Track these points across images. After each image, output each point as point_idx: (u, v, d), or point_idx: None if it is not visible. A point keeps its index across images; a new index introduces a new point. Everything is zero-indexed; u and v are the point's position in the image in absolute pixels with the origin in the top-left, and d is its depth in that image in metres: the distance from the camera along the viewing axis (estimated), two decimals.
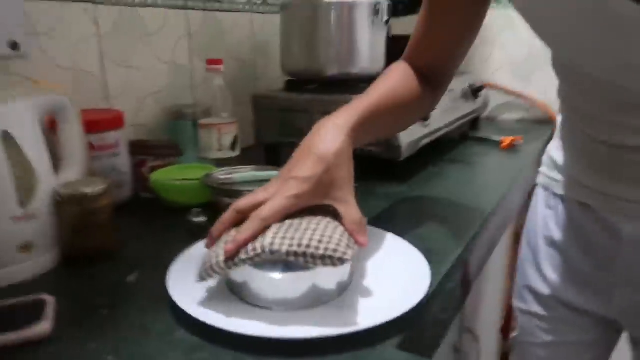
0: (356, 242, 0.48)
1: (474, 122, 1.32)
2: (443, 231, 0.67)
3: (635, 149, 0.54)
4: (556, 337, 0.69)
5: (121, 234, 0.65)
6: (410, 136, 0.90)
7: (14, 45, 0.72)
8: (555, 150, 0.69)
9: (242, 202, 0.49)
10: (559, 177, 0.67)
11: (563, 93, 0.63)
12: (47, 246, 0.57)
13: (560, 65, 0.59)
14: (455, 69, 0.68)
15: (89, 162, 0.68)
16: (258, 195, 0.49)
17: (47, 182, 0.58)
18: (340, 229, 0.48)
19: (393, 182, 0.88)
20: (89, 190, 0.58)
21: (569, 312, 0.67)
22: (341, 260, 0.45)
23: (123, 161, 0.77)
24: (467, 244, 0.63)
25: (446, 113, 1.07)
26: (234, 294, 0.49)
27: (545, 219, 0.69)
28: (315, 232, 0.46)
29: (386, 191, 0.83)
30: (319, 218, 0.49)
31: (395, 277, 0.52)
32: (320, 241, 0.45)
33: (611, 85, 0.51)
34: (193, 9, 1.03)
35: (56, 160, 0.63)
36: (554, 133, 0.71)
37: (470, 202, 0.79)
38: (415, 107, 0.65)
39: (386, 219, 0.68)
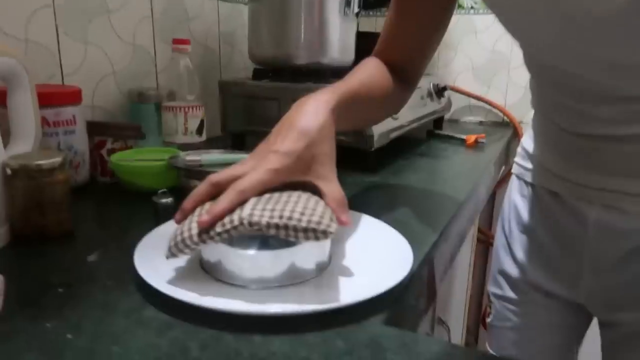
0: (338, 220, 0.45)
1: (439, 122, 1.34)
2: (417, 217, 0.66)
3: (600, 137, 0.55)
4: (528, 320, 0.71)
5: (78, 215, 0.60)
6: (382, 127, 0.89)
7: None
8: (527, 141, 0.71)
9: (219, 175, 0.46)
10: (530, 166, 0.69)
11: (533, 86, 0.65)
12: None
13: (528, 59, 0.60)
14: (424, 68, 0.69)
15: (42, 139, 0.62)
16: (236, 169, 0.46)
17: None
18: (322, 203, 0.46)
19: (365, 172, 0.86)
20: (42, 162, 0.53)
21: (540, 295, 0.68)
22: (325, 233, 0.42)
23: (80, 140, 0.72)
24: (442, 230, 0.62)
25: (413, 109, 1.07)
26: (207, 272, 0.46)
27: (518, 206, 0.71)
28: (297, 204, 0.44)
29: (358, 180, 0.82)
30: (299, 192, 0.47)
31: (375, 257, 0.50)
32: (302, 213, 0.42)
33: (576, 77, 0.52)
34: None
35: (4, 136, 0.57)
36: (519, 130, 0.73)
37: (442, 192, 0.79)
38: (388, 101, 0.66)
39: (360, 206, 0.66)
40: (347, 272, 0.48)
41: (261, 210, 0.42)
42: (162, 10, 1.00)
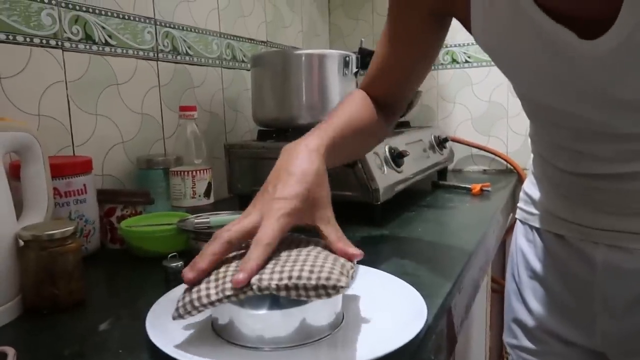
0: (349, 255, 0.45)
1: (443, 173, 1.35)
2: (428, 269, 0.65)
3: (600, 176, 0.56)
4: None
5: (89, 283, 0.60)
6: (386, 181, 0.90)
7: None
8: (529, 185, 0.72)
9: (231, 232, 0.45)
10: (534, 210, 0.69)
11: (532, 129, 0.66)
12: (8, 295, 0.52)
13: (526, 100, 0.61)
14: (408, 100, 0.71)
15: (53, 209, 0.64)
16: (243, 222, 0.46)
17: (7, 226, 0.53)
18: (331, 257, 0.46)
19: (372, 226, 0.86)
20: (54, 232, 0.53)
21: (558, 343, 0.66)
22: (335, 289, 0.41)
23: (91, 208, 0.73)
24: (454, 280, 0.61)
25: (417, 161, 1.09)
26: (219, 335, 0.45)
27: (525, 251, 0.71)
28: (306, 262, 0.44)
29: (366, 234, 0.82)
30: (308, 248, 0.47)
31: (388, 311, 0.49)
32: (311, 271, 0.42)
33: (573, 117, 0.53)
34: (164, 60, 1.03)
35: (17, 208, 0.58)
36: (523, 176, 0.74)
37: (451, 242, 0.78)
38: (372, 135, 0.67)
39: (368, 259, 0.66)
40: (361, 329, 0.47)
41: (270, 274, 0.42)
42: (169, 80, 1.04)
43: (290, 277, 0.41)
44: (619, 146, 0.52)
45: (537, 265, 0.68)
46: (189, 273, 0.44)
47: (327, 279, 0.41)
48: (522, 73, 0.53)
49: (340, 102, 0.65)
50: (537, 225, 0.68)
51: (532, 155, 0.71)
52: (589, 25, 0.43)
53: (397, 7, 0.61)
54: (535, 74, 0.51)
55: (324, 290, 0.41)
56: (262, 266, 0.42)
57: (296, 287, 0.41)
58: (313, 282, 0.41)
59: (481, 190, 1.17)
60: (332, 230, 0.48)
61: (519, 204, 0.74)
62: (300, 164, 0.49)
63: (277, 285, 0.41)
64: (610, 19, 0.41)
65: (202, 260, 0.44)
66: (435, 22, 0.60)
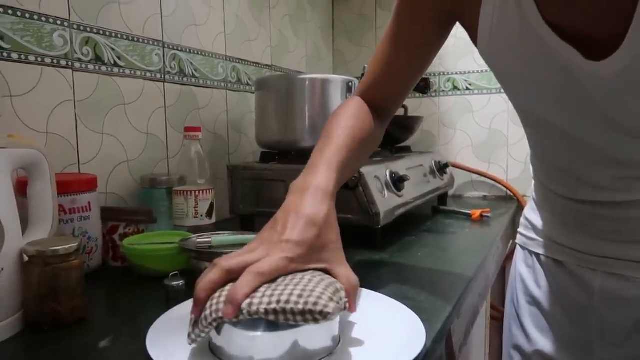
0: (350, 308, 0.46)
1: (443, 198, 1.36)
2: (427, 293, 0.65)
3: (599, 204, 0.57)
4: None
5: (91, 300, 0.60)
6: (387, 205, 0.91)
7: None
8: (529, 211, 0.72)
9: (230, 262, 0.45)
10: (534, 236, 0.70)
11: (533, 155, 0.67)
12: (10, 310, 0.52)
13: (526, 116, 0.61)
14: (403, 101, 0.71)
15: (58, 225, 0.64)
16: (247, 256, 0.46)
17: (13, 241, 0.53)
18: (325, 282, 0.45)
19: (372, 249, 0.87)
20: (58, 248, 0.54)
21: None
22: (322, 314, 0.41)
23: (94, 226, 0.73)
24: (454, 306, 0.62)
25: (417, 186, 1.10)
26: (215, 354, 0.45)
27: (525, 277, 0.71)
28: (297, 286, 0.44)
29: (366, 258, 0.82)
30: (302, 274, 0.47)
31: (387, 335, 0.49)
32: (300, 296, 0.42)
33: (571, 137, 0.54)
34: (170, 82, 1.05)
35: (22, 223, 0.59)
36: (523, 203, 0.75)
37: (450, 267, 0.78)
38: (371, 145, 0.67)
39: (368, 283, 0.66)
40: (358, 353, 0.47)
41: (260, 297, 0.42)
42: (175, 101, 1.06)
43: (278, 302, 0.41)
44: (617, 173, 0.53)
45: (536, 291, 0.68)
46: (193, 309, 0.44)
47: (315, 304, 0.41)
48: (524, 87, 0.54)
49: (338, 112, 0.63)
50: (536, 250, 0.69)
51: (532, 181, 0.72)
52: (596, 46, 0.44)
53: (405, 9, 0.61)
54: (538, 89, 0.52)
55: (311, 315, 0.41)
56: (249, 294, 0.42)
57: (284, 311, 0.41)
58: (300, 306, 0.41)
59: (481, 216, 1.17)
60: (343, 273, 0.47)
61: (519, 229, 0.74)
62: (310, 207, 0.49)
63: (265, 309, 0.41)
64: (618, 41, 0.42)
65: (201, 291, 0.44)
66: (440, 27, 0.61)
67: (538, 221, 0.69)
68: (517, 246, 0.74)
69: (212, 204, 0.88)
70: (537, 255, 0.68)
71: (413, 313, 0.53)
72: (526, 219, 0.73)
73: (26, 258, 0.54)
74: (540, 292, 0.68)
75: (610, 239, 0.57)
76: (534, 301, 0.68)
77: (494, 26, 0.51)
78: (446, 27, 0.61)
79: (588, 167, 0.56)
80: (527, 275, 0.70)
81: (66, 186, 0.69)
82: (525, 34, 0.48)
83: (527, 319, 0.69)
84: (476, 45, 0.55)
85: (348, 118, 0.62)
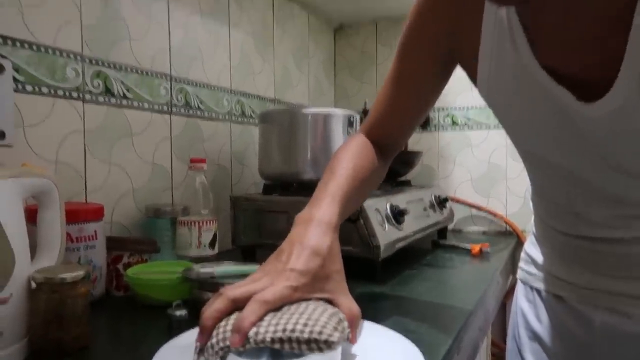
0: (351, 339, 0.47)
1: (443, 232, 1.37)
2: (428, 327, 0.66)
3: (598, 240, 0.57)
4: None
5: (94, 329, 0.60)
6: (387, 238, 0.92)
7: (1, 135, 0.72)
8: (530, 246, 0.73)
9: (235, 291, 0.46)
10: (534, 271, 0.70)
11: (532, 191, 0.68)
12: (16, 336, 0.52)
13: (525, 154, 0.62)
14: (408, 139, 0.73)
15: (65, 253, 0.65)
16: (252, 285, 0.47)
17: (22, 267, 0.54)
18: (329, 312, 0.46)
19: (373, 282, 0.88)
20: (66, 275, 0.55)
21: None
22: (327, 344, 0.42)
23: (99, 254, 0.74)
24: (454, 340, 0.62)
25: (417, 220, 1.11)
26: None
27: (525, 311, 0.71)
28: (302, 315, 0.45)
29: (367, 291, 0.83)
30: (308, 302, 0.48)
31: None
32: (305, 324, 0.43)
33: (569, 175, 0.55)
34: (177, 114, 1.08)
35: (31, 250, 0.60)
36: (522, 238, 0.76)
37: (451, 301, 0.79)
38: (374, 181, 0.68)
39: (370, 316, 0.67)
40: None
41: (266, 326, 0.43)
42: (180, 132, 1.08)
43: (284, 330, 0.42)
44: (616, 210, 0.54)
45: (537, 326, 0.68)
46: (198, 337, 0.45)
47: (320, 333, 0.42)
48: (523, 127, 0.56)
49: (342, 149, 0.65)
50: (537, 285, 0.69)
51: (532, 216, 0.73)
52: (589, 88, 0.46)
53: (408, 49, 0.62)
54: (537, 129, 0.54)
55: (316, 344, 0.42)
56: (255, 323, 0.43)
57: (290, 340, 0.42)
58: (306, 335, 0.42)
59: (480, 251, 1.18)
60: (346, 303, 0.48)
61: (520, 264, 0.75)
62: (314, 238, 0.50)
63: (272, 338, 0.42)
64: (610, 83, 0.44)
65: (207, 319, 0.44)
66: (441, 68, 0.62)
67: (538, 256, 0.70)
68: (518, 281, 0.75)
69: (215, 235, 0.89)
70: (538, 290, 0.69)
71: (414, 345, 0.54)
72: (527, 253, 0.73)
73: (34, 285, 0.55)
74: (542, 328, 0.68)
75: (610, 274, 0.58)
76: (535, 336, 0.69)
77: (492, 68, 0.53)
78: (447, 68, 0.63)
79: (587, 204, 0.57)
80: (528, 310, 0.70)
81: (74, 215, 0.70)
82: (522, 76, 0.50)
83: (529, 354, 0.69)
84: (475, 86, 0.58)
85: (352, 155, 0.63)
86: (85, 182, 0.87)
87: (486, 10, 0.52)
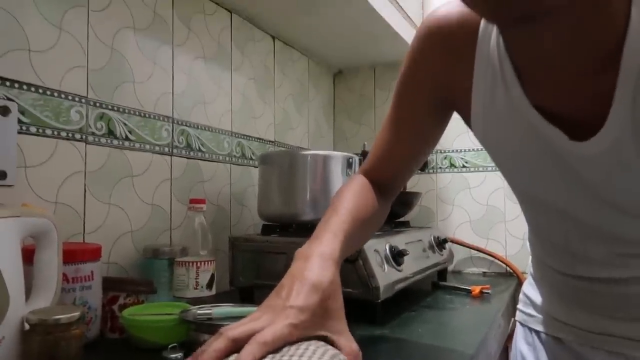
0: None
1: (443, 274, 1.36)
2: None
3: (597, 280, 0.57)
4: None
5: None
6: (387, 279, 0.91)
7: (2, 175, 0.73)
8: (528, 288, 0.73)
9: (236, 330, 0.45)
10: (533, 312, 0.70)
11: (529, 232, 0.69)
12: None
13: (521, 194, 0.63)
14: (408, 180, 0.73)
15: (60, 294, 0.65)
16: (252, 324, 0.46)
17: (16, 309, 0.54)
18: (329, 354, 0.46)
19: (373, 324, 0.86)
20: (60, 317, 0.54)
21: None
22: None
23: (95, 295, 0.73)
24: None
25: (417, 261, 1.10)
26: None
27: (525, 354, 0.70)
28: (301, 358, 0.44)
29: (367, 333, 0.81)
30: (308, 343, 0.47)
31: None
32: None
33: (567, 215, 0.55)
34: (177, 155, 1.09)
35: (26, 290, 0.59)
36: (522, 280, 0.75)
37: (451, 344, 0.78)
38: (375, 221, 0.68)
39: (371, 359, 0.66)
40: None
41: None
42: (180, 174, 1.10)
43: None
44: (613, 249, 0.54)
45: None
46: None
47: None
48: (519, 167, 0.56)
49: (343, 189, 0.65)
50: (536, 327, 0.68)
51: (530, 257, 0.73)
52: (581, 127, 0.47)
53: (403, 95, 0.64)
54: (532, 169, 0.54)
55: None
56: None
57: None
58: None
59: (481, 292, 1.17)
60: (346, 343, 0.47)
61: (518, 306, 0.74)
62: (314, 273, 0.49)
63: None
64: (602, 121, 0.45)
65: (208, 357, 0.43)
66: (437, 114, 0.63)
67: (537, 297, 0.69)
68: (517, 323, 0.74)
69: (212, 276, 0.88)
70: (537, 332, 0.68)
71: None
72: (525, 295, 0.73)
73: (27, 326, 0.54)
74: None
75: (608, 315, 0.58)
76: None
77: (485, 110, 0.54)
78: (443, 113, 0.64)
79: (584, 243, 0.57)
80: (528, 353, 0.69)
81: (71, 255, 0.70)
82: (515, 117, 0.51)
83: None
84: (471, 129, 0.59)
85: (353, 194, 0.63)
86: (84, 223, 0.87)
87: (478, 53, 0.53)
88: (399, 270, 0.97)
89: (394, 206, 1.32)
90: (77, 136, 0.86)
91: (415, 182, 1.67)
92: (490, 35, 0.53)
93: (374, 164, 0.69)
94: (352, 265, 0.89)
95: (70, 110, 0.85)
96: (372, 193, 0.66)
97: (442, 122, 0.66)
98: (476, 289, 1.17)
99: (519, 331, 0.73)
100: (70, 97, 0.85)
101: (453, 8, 0.57)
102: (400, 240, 1.06)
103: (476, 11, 0.45)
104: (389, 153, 0.68)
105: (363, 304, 0.88)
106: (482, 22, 0.54)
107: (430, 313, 0.99)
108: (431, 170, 1.66)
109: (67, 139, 0.84)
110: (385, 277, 0.91)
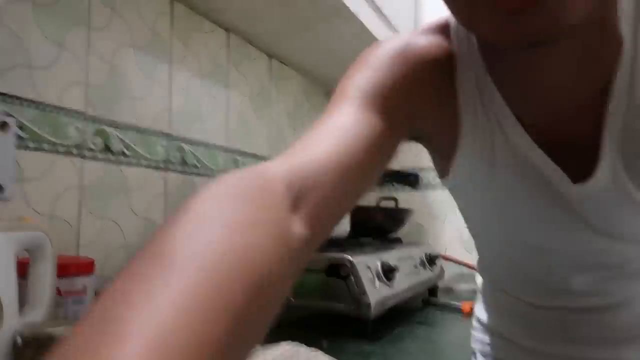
0: None
1: (433, 291, 1.37)
2: None
3: (574, 309, 0.56)
4: None
5: None
6: (378, 295, 0.92)
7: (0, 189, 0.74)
8: (484, 313, 0.68)
9: None
10: (494, 340, 0.65)
11: (493, 265, 0.63)
12: None
13: (497, 242, 0.58)
14: (340, 220, 0.40)
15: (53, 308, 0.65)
16: None
17: (9, 323, 0.55)
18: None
19: (364, 341, 0.87)
20: (55, 330, 0.55)
21: None
22: None
23: (86, 310, 0.74)
24: None
25: (408, 277, 1.11)
26: None
27: None
28: None
29: (358, 350, 0.82)
30: (298, 355, 0.48)
31: None
32: None
33: (552, 252, 0.52)
34: (173, 171, 1.10)
35: (20, 303, 0.60)
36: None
37: (442, 357, 0.79)
38: (277, 283, 0.28)
39: None
40: None
41: None
42: (175, 189, 1.11)
43: None
44: (595, 276, 0.52)
45: None
46: None
47: None
48: (506, 213, 0.52)
49: (204, 200, 0.29)
50: (500, 356, 0.64)
51: (482, 288, 0.68)
52: (579, 164, 0.45)
53: (371, 98, 0.45)
54: (522, 214, 0.50)
55: None
56: None
57: None
58: None
59: (472, 309, 1.17)
60: None
61: (474, 333, 0.70)
62: None
63: None
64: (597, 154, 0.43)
65: None
66: (403, 134, 0.48)
67: (499, 326, 0.64)
68: (477, 353, 0.69)
69: None
70: None
71: None
72: (480, 321, 0.68)
73: (20, 340, 0.55)
74: None
75: (586, 342, 0.56)
76: None
77: (475, 153, 0.49)
78: (402, 136, 0.48)
79: (567, 275, 0.54)
80: None
81: (64, 269, 0.70)
82: (514, 159, 0.48)
83: None
84: (441, 173, 0.54)
85: (221, 226, 0.26)
86: (78, 237, 0.87)
87: (461, 90, 0.49)
88: (390, 287, 0.99)
89: (386, 222, 1.34)
90: (75, 151, 0.87)
91: (406, 199, 1.69)
92: (469, 70, 0.48)
93: (304, 155, 0.38)
94: (343, 281, 0.90)
95: (68, 126, 0.86)
96: (278, 212, 0.31)
97: (393, 149, 0.47)
98: (467, 306, 1.18)
99: None
100: (69, 113, 0.86)
101: (419, 38, 0.49)
102: (391, 257, 1.07)
103: (481, 32, 0.39)
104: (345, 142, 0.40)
105: (354, 321, 0.89)
106: (459, 56, 0.49)
107: (422, 329, 1.00)
108: (423, 188, 1.68)
109: (65, 154, 0.85)
110: (377, 293, 0.92)
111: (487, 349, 0.66)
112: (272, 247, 0.27)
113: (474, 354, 0.69)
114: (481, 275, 0.68)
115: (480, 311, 0.69)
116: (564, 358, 0.57)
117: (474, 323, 0.70)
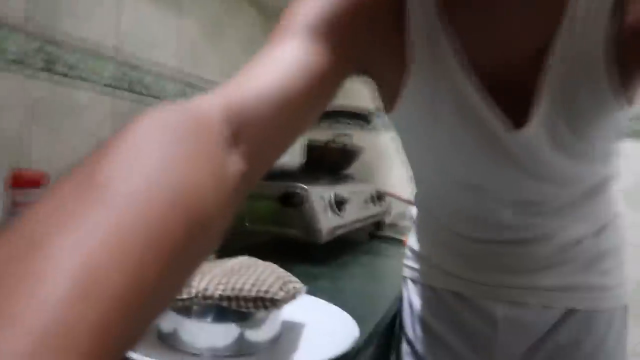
0: None
1: (379, 225, 1.44)
2: (362, 302, 0.71)
3: (503, 242, 0.59)
4: None
5: None
6: (329, 223, 0.97)
7: None
8: (418, 244, 0.71)
9: None
10: (425, 268, 0.69)
11: (427, 198, 0.67)
12: None
13: (435, 176, 0.61)
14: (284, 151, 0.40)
15: (8, 220, 0.65)
16: None
17: None
18: (275, 274, 0.51)
19: (314, 264, 0.92)
20: None
21: None
22: (272, 302, 0.46)
23: None
24: (385, 312, 0.67)
25: (358, 210, 1.17)
26: (162, 341, 0.48)
27: (420, 310, 0.69)
28: (250, 276, 0.49)
29: (309, 271, 0.87)
30: (256, 265, 0.52)
31: (324, 332, 0.54)
32: (253, 284, 0.47)
33: (484, 189, 0.56)
34: (120, 98, 1.07)
35: None
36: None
37: (383, 282, 0.85)
38: (214, 223, 0.27)
39: (310, 291, 0.71)
40: (298, 345, 0.51)
41: (215, 285, 0.47)
42: (124, 114, 1.08)
43: (233, 289, 0.46)
44: (523, 211, 0.56)
45: (434, 323, 0.67)
46: None
47: (266, 292, 0.47)
48: (446, 150, 0.54)
49: (137, 132, 0.26)
50: (431, 283, 0.67)
51: (417, 220, 0.71)
52: (517, 103, 0.48)
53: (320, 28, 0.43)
54: (459, 152, 0.53)
55: (262, 302, 0.46)
56: None
57: (237, 298, 0.46)
58: (253, 294, 0.46)
59: None
60: None
61: (405, 262, 0.73)
62: None
63: (220, 295, 0.46)
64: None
65: None
66: (350, 70, 0.47)
67: (431, 254, 0.67)
68: (408, 280, 0.72)
69: None
70: (433, 288, 0.67)
71: (348, 315, 0.58)
72: (413, 250, 0.71)
73: None
74: (439, 324, 0.66)
75: (513, 271, 0.60)
76: (432, 333, 0.67)
77: (421, 96, 0.51)
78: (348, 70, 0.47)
79: (496, 210, 0.57)
80: (424, 308, 0.68)
81: (17, 180, 0.70)
82: (457, 101, 0.50)
83: (427, 351, 0.67)
84: (386, 108, 0.55)
85: (162, 153, 0.25)
86: (31, 153, 0.85)
87: (411, 24, 0.50)
88: (340, 217, 1.03)
89: (337, 159, 1.38)
90: (14, 68, 0.82)
91: (358, 138, 1.73)
92: (419, 11, 0.49)
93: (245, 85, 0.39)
94: (297, 209, 0.93)
95: (7, 40, 0.81)
96: (216, 151, 0.30)
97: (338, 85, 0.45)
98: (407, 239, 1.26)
99: (411, 288, 0.71)
100: (7, 28, 0.80)
101: None
102: (344, 190, 1.11)
103: None
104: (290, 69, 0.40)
105: (305, 246, 0.94)
106: None
107: (366, 258, 1.07)
108: (375, 129, 1.72)
109: (6, 71, 0.81)
110: (328, 221, 0.97)
111: (417, 275, 0.70)
112: (209, 184, 0.26)
113: (404, 279, 0.74)
114: (417, 207, 0.71)
115: (413, 241, 0.72)
116: (487, 284, 0.62)
117: (407, 252, 0.74)
